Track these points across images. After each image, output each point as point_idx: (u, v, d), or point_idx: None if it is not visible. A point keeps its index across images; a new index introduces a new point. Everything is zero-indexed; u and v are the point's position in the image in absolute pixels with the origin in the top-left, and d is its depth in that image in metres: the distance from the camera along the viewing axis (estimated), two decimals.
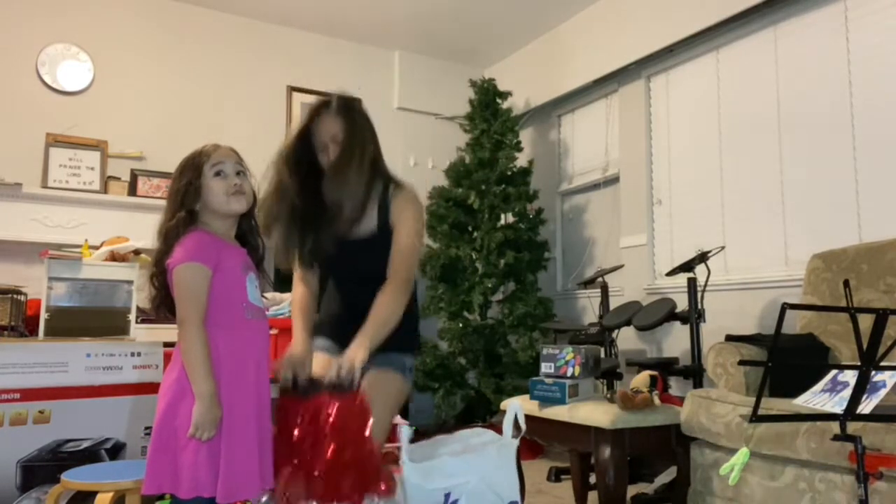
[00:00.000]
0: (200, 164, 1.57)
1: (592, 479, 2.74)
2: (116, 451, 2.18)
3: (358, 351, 1.57)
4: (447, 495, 1.56)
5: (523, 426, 1.70)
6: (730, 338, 2.52)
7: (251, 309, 1.55)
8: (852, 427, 1.68)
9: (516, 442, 1.69)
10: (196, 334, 1.44)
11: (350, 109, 1.84)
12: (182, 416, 1.43)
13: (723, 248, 3.38)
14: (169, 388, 1.48)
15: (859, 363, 1.32)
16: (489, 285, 4.25)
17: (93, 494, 1.65)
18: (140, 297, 2.55)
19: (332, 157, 1.79)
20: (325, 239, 1.83)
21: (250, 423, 1.47)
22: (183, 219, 1.52)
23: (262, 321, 1.59)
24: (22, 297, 2.47)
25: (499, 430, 1.77)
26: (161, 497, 2.16)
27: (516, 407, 1.71)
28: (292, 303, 1.95)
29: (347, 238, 1.83)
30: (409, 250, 1.80)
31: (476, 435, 1.71)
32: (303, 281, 1.95)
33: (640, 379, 2.53)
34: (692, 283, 3.14)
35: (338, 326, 1.87)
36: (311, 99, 4.74)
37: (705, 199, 3.75)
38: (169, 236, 1.51)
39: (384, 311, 1.70)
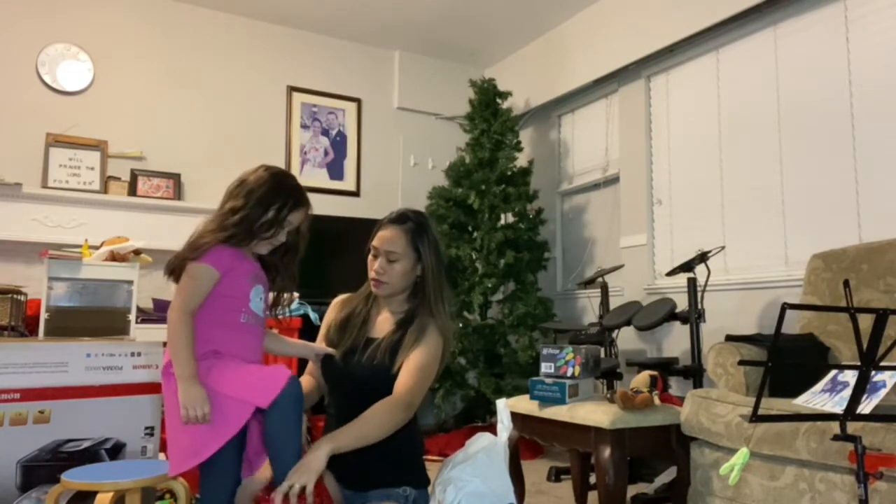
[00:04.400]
0: (293, 210, 1.63)
1: (592, 479, 2.74)
2: (116, 451, 2.18)
3: (313, 459, 1.46)
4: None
5: (509, 424, 1.69)
6: (730, 338, 2.52)
7: (249, 314, 1.61)
8: (852, 427, 1.68)
9: (504, 442, 1.69)
10: (182, 320, 1.51)
11: (422, 239, 1.79)
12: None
13: (723, 248, 3.39)
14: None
15: (859, 363, 1.32)
16: (489, 285, 4.25)
17: (93, 494, 1.65)
18: (140, 296, 2.55)
19: (377, 268, 1.77)
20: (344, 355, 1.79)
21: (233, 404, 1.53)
22: (224, 239, 1.57)
23: (257, 327, 1.65)
24: (22, 297, 2.46)
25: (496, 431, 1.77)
26: (161, 497, 2.17)
27: (501, 405, 1.71)
28: None
29: (360, 359, 1.76)
30: (420, 371, 1.68)
31: (475, 441, 1.71)
32: (310, 373, 1.90)
33: (640, 379, 2.52)
34: (692, 283, 3.14)
35: (334, 458, 1.70)
36: (311, 99, 4.80)
37: (705, 199, 3.75)
38: (201, 247, 1.56)
39: (367, 423, 1.57)
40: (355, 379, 1.71)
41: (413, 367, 1.68)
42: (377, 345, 1.75)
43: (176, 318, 1.52)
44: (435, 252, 1.81)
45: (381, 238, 1.79)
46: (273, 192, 1.62)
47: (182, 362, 1.49)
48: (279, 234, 1.64)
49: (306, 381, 1.87)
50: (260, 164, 1.69)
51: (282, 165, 4.65)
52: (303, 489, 1.40)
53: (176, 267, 1.58)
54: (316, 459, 1.46)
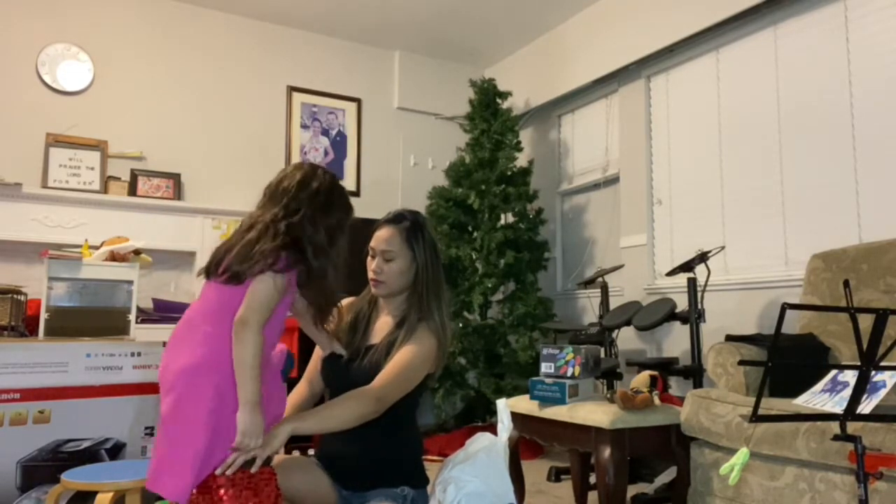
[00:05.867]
0: (349, 218, 1.60)
1: (592, 479, 2.74)
2: (116, 451, 2.18)
3: (274, 435, 1.45)
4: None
5: (510, 423, 1.69)
6: (730, 338, 2.52)
7: (282, 331, 1.57)
8: (852, 427, 1.68)
9: (504, 442, 1.69)
10: (256, 340, 1.41)
11: (416, 237, 1.79)
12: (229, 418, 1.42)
13: (723, 248, 3.38)
14: (210, 392, 1.43)
15: (859, 363, 1.32)
16: (489, 285, 4.25)
17: (93, 494, 1.65)
18: (140, 296, 2.55)
19: (375, 267, 1.79)
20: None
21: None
22: (301, 252, 1.49)
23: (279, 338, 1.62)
24: (22, 297, 2.46)
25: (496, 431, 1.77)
26: (161, 497, 2.16)
27: (501, 405, 1.71)
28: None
29: (360, 365, 1.76)
30: (401, 368, 1.67)
31: (474, 441, 1.71)
32: (307, 381, 1.90)
33: (640, 379, 2.52)
34: (692, 283, 3.14)
35: (333, 458, 1.76)
36: (312, 99, 4.80)
37: (705, 199, 3.75)
38: (280, 258, 1.45)
39: (333, 410, 1.58)
40: (355, 385, 1.72)
41: (395, 364, 1.68)
42: (375, 350, 1.76)
43: (253, 334, 1.41)
44: (431, 250, 1.81)
45: (377, 238, 1.81)
46: (340, 201, 1.57)
47: (251, 385, 1.39)
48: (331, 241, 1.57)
49: (303, 388, 1.88)
50: (313, 165, 1.62)
51: (282, 165, 4.66)
52: (253, 459, 1.40)
53: (245, 273, 1.46)
54: (274, 436, 1.45)
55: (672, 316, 3.17)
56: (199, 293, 1.57)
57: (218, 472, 1.39)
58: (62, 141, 3.93)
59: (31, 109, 3.94)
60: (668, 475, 3.02)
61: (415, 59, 5.20)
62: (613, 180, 4.40)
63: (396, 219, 1.82)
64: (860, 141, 3.03)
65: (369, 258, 1.83)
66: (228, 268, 1.47)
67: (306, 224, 1.51)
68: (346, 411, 1.57)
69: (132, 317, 2.46)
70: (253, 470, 1.40)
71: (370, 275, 1.81)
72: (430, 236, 1.83)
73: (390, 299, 1.84)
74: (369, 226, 1.88)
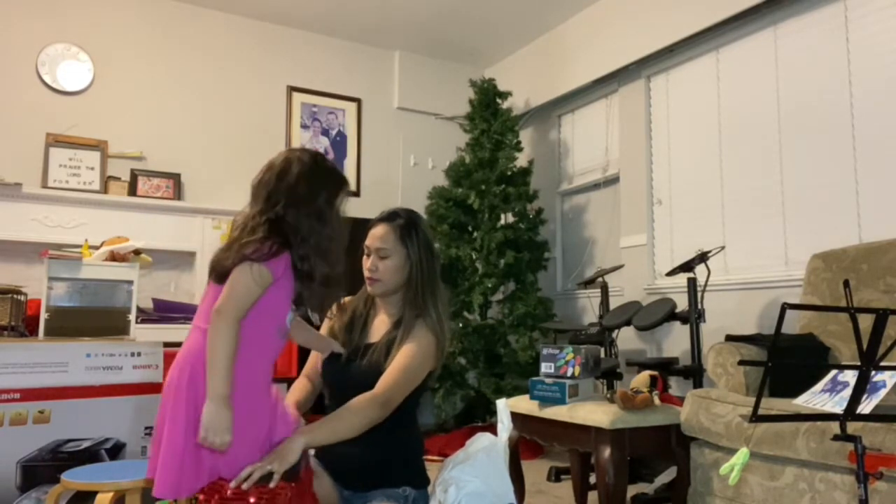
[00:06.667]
0: (339, 191, 1.55)
1: (592, 479, 2.74)
2: (116, 451, 2.18)
3: (287, 449, 1.44)
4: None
5: (509, 423, 1.70)
6: (730, 338, 2.52)
7: (283, 329, 1.53)
8: (852, 427, 1.68)
9: (504, 442, 1.69)
10: (233, 328, 1.37)
11: (410, 235, 1.79)
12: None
13: (723, 248, 3.38)
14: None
15: (859, 363, 1.32)
16: (489, 285, 4.25)
17: (93, 494, 1.65)
18: (140, 296, 2.55)
19: (370, 265, 1.79)
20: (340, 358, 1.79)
21: (264, 418, 1.47)
22: (284, 243, 1.46)
23: (284, 341, 1.58)
24: (22, 297, 2.46)
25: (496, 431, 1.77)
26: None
27: (501, 405, 1.71)
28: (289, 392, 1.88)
29: (359, 364, 1.76)
30: (402, 370, 1.67)
31: (474, 441, 1.71)
32: (306, 376, 1.89)
33: (640, 379, 2.52)
34: (692, 283, 3.14)
35: (334, 458, 1.74)
36: (312, 99, 4.79)
37: (705, 199, 3.75)
38: (262, 249, 1.41)
39: (342, 419, 1.58)
40: (355, 384, 1.72)
41: (396, 366, 1.68)
42: (374, 349, 1.77)
43: (227, 324, 1.36)
44: (425, 248, 1.82)
45: (372, 236, 1.82)
46: (323, 181, 1.53)
47: (220, 377, 1.33)
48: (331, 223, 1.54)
49: (302, 384, 1.88)
50: (293, 150, 1.58)
51: None
52: (269, 475, 1.37)
53: (227, 267, 1.42)
54: (290, 450, 1.44)
55: (672, 316, 3.17)
56: (199, 293, 1.57)
57: (232, 484, 1.36)
58: (62, 141, 3.93)
59: (31, 109, 3.94)
60: (668, 475, 3.02)
61: (415, 59, 5.20)
62: (613, 180, 4.40)
63: (390, 217, 1.83)
64: (860, 141, 3.02)
65: (365, 257, 1.83)
66: (213, 267, 1.48)
67: (288, 214, 1.47)
68: (354, 419, 1.58)
69: (132, 317, 2.46)
70: (272, 485, 1.37)
71: (366, 273, 1.82)
72: (425, 234, 1.84)
73: (387, 298, 1.84)
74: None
